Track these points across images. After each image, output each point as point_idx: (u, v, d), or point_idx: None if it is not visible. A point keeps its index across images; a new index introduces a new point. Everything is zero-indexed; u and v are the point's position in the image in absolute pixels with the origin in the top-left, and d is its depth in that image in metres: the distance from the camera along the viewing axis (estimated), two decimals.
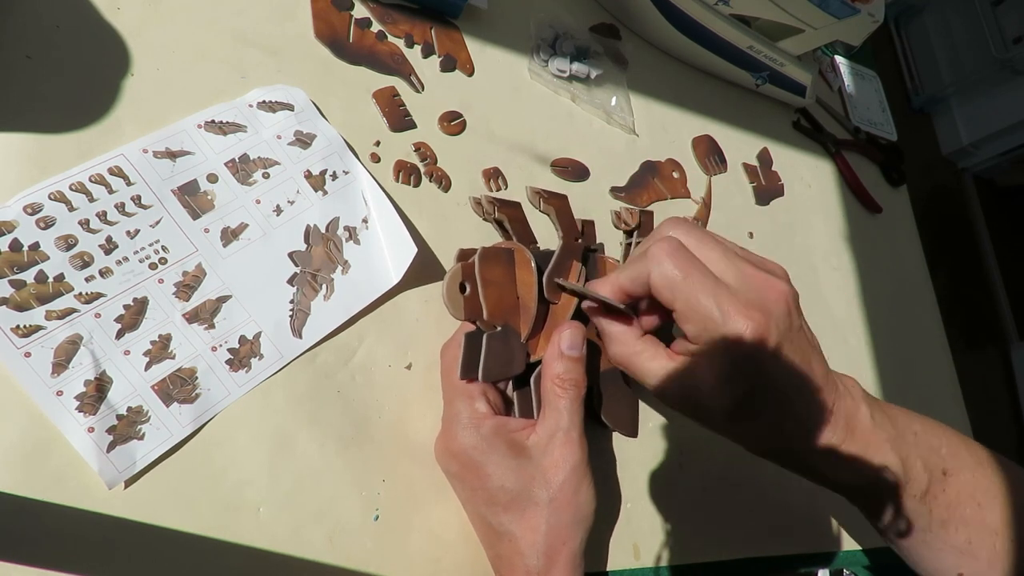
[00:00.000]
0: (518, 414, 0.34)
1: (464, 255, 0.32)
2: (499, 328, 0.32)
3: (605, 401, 0.37)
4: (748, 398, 0.31)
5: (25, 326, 0.28)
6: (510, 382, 0.35)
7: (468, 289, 0.31)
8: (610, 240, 0.47)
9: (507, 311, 0.33)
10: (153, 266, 0.31)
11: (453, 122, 0.44)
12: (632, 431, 0.38)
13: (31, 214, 0.29)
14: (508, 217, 0.38)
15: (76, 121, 0.32)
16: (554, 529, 0.31)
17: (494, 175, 0.44)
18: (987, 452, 0.37)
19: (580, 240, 0.39)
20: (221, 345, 0.32)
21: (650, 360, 0.32)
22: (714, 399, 0.31)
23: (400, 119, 0.41)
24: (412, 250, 0.36)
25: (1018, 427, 1.99)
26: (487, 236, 0.42)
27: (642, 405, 0.42)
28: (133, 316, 0.30)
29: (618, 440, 0.42)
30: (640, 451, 0.43)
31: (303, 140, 0.37)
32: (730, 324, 0.29)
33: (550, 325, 0.35)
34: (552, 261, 0.34)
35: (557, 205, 0.35)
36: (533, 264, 0.34)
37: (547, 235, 0.41)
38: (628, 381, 0.39)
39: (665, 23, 0.56)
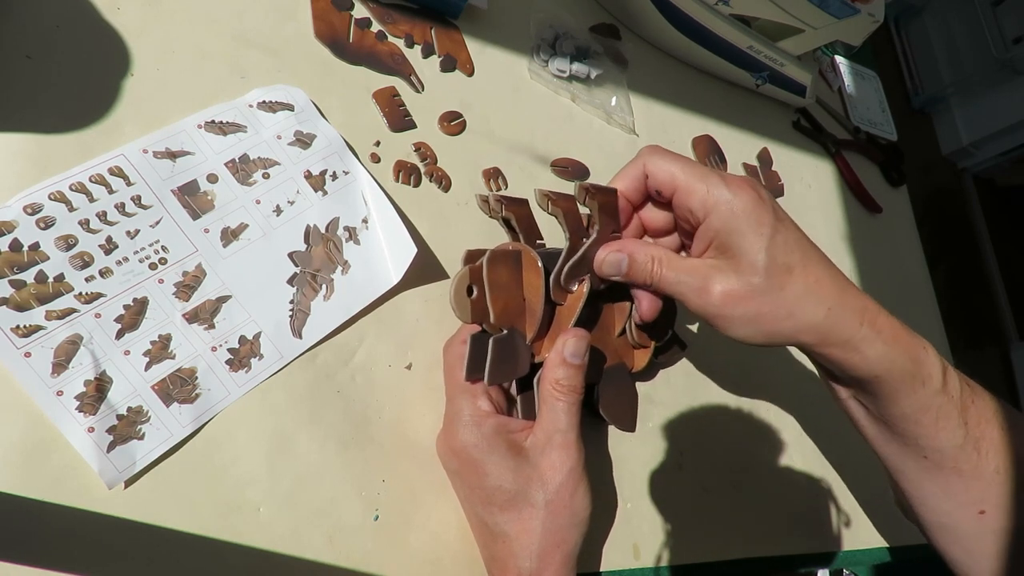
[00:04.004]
0: (521, 416, 0.34)
1: (472, 256, 0.32)
2: (505, 331, 0.32)
3: (605, 397, 0.37)
4: (775, 243, 0.30)
5: (25, 326, 0.28)
6: (514, 381, 0.35)
7: (475, 292, 0.31)
8: None
9: (513, 314, 0.33)
10: (153, 266, 0.31)
11: (453, 122, 0.44)
12: (631, 426, 0.38)
13: (31, 214, 0.29)
14: (515, 215, 0.38)
15: (76, 121, 0.32)
16: (549, 532, 0.31)
17: (494, 175, 0.44)
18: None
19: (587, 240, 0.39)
20: (221, 345, 0.32)
21: (681, 260, 0.32)
22: (747, 255, 0.30)
23: (400, 119, 0.41)
24: (412, 250, 0.36)
25: None
26: (488, 236, 0.42)
27: (642, 404, 0.42)
28: (133, 316, 0.30)
29: (618, 440, 0.42)
30: (640, 451, 0.43)
31: (303, 140, 0.37)
32: (730, 178, 0.31)
33: (555, 327, 0.35)
34: (559, 263, 0.33)
35: (565, 207, 0.34)
36: (540, 266, 0.34)
37: (553, 233, 0.41)
38: (632, 375, 0.39)
39: (665, 23, 0.56)
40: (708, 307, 0.31)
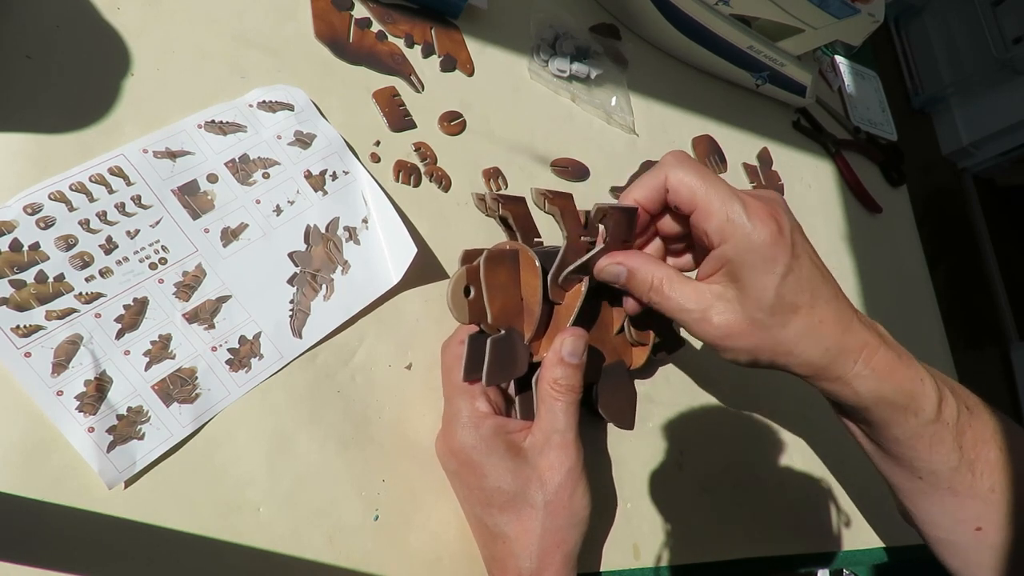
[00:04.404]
0: (519, 416, 0.34)
1: (469, 256, 0.32)
2: (503, 331, 0.32)
3: (604, 395, 0.37)
4: (786, 283, 0.30)
5: (25, 326, 0.28)
6: (512, 381, 0.35)
7: (472, 292, 0.31)
8: None
9: (511, 314, 0.33)
10: (153, 266, 0.31)
11: (453, 122, 0.44)
12: (629, 424, 0.38)
13: (31, 214, 0.29)
14: (512, 214, 0.38)
15: (76, 121, 0.32)
16: (549, 532, 0.31)
17: (494, 175, 0.44)
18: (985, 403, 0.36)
19: (585, 237, 0.39)
20: (221, 345, 0.32)
21: (684, 283, 0.32)
22: (755, 291, 0.30)
23: (400, 119, 0.41)
24: (412, 250, 0.36)
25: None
26: (488, 236, 0.42)
27: (641, 403, 0.42)
28: (133, 316, 0.30)
29: (617, 440, 0.42)
30: (640, 450, 0.43)
31: (303, 140, 0.37)
32: (752, 206, 0.30)
33: (553, 326, 0.34)
34: (556, 261, 0.33)
35: (562, 205, 0.34)
36: (538, 266, 0.33)
37: (551, 230, 0.41)
38: (631, 372, 0.39)
39: (665, 23, 0.56)
40: (706, 336, 0.31)
